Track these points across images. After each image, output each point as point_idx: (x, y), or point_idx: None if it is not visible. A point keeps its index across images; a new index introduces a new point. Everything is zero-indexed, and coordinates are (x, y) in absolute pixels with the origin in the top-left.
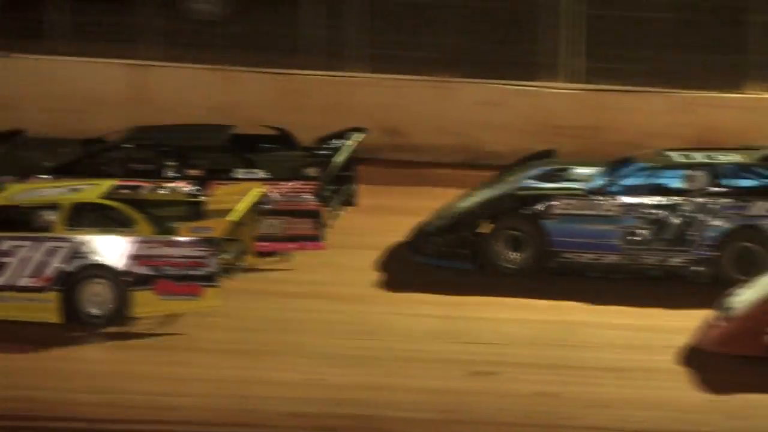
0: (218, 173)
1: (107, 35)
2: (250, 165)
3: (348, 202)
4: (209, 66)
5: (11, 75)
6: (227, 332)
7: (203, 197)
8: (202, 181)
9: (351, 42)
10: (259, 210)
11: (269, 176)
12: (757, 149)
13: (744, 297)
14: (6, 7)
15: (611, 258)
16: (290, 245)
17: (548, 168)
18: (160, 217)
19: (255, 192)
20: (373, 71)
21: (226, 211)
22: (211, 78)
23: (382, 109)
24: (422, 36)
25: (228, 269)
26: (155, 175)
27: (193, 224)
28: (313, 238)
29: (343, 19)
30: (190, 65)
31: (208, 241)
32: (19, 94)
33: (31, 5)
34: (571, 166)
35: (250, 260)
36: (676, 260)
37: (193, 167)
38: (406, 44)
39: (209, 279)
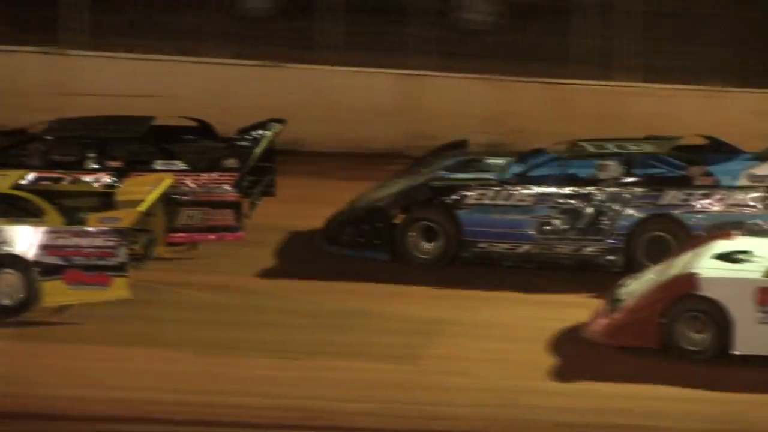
0: (138, 164)
1: (378, 45)
2: (170, 156)
3: (268, 192)
4: (480, 76)
5: (284, 85)
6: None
7: (114, 188)
8: (122, 173)
9: (622, 51)
10: (173, 201)
11: (188, 167)
12: (668, 139)
13: (633, 288)
14: (279, 18)
15: (525, 247)
16: (209, 236)
17: (462, 158)
18: (72, 207)
19: (165, 182)
20: (644, 81)
21: (137, 202)
22: (482, 87)
23: (652, 119)
24: (691, 45)
25: (137, 259)
26: (76, 166)
27: (102, 215)
28: (232, 229)
29: (613, 29)
30: (462, 75)
31: (117, 232)
32: (291, 104)
33: (305, 16)
34: (484, 157)
35: (160, 250)
36: (589, 249)
37: (114, 159)
38: (675, 53)
39: (118, 269)
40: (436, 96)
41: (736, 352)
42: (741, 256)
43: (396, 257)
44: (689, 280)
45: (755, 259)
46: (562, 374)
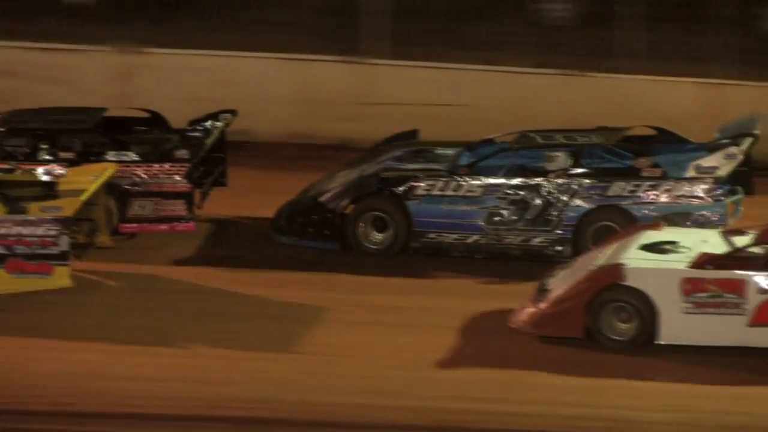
0: (90, 155)
1: (679, 54)
2: (122, 147)
3: (219, 183)
4: None
5: (584, 93)
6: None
7: (57, 177)
8: (74, 164)
9: None
10: (125, 191)
11: (140, 158)
12: (617, 130)
13: (560, 278)
14: (579, 26)
15: (474, 238)
16: (160, 226)
17: (412, 149)
18: (14, 197)
19: (108, 172)
20: None
21: (79, 191)
22: None
23: None
24: None
25: (80, 248)
26: (29, 157)
27: (44, 204)
28: (184, 219)
29: None
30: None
31: (58, 221)
32: (593, 113)
33: (604, 24)
34: (434, 147)
35: (103, 240)
36: (537, 240)
37: (66, 150)
38: None
39: (60, 258)
40: (738, 104)
41: (661, 342)
42: (667, 247)
43: (346, 247)
44: (615, 270)
45: (681, 249)
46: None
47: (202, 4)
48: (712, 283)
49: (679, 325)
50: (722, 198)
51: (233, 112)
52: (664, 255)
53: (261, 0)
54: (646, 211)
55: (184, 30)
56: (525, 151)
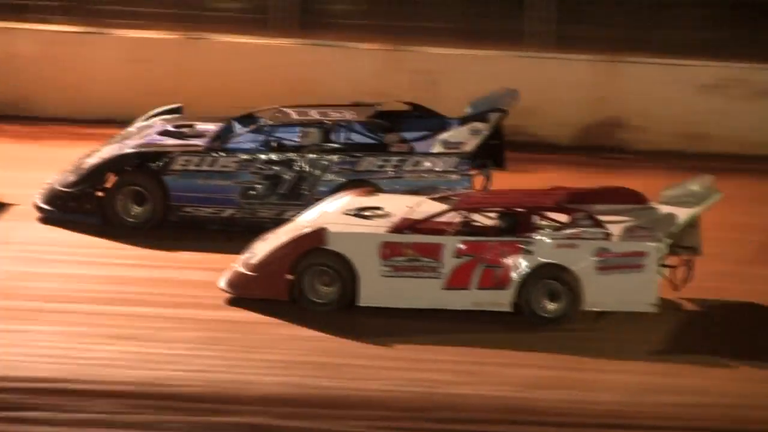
0: None
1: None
2: None
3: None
4: None
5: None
6: None
7: None
8: None
9: None
10: None
11: None
12: (370, 105)
13: (267, 242)
14: None
15: (229, 212)
16: None
17: (171, 124)
18: None
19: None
20: None
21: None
22: None
23: None
24: None
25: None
26: None
27: None
28: None
29: None
30: None
31: None
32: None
33: None
34: (194, 123)
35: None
36: (290, 213)
37: None
38: None
39: None
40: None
41: (361, 305)
42: (369, 213)
43: (106, 220)
44: (318, 234)
45: (382, 214)
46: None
47: None
48: (409, 248)
49: (378, 288)
50: (469, 173)
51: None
52: (365, 220)
53: None
54: (397, 186)
55: None
56: (279, 127)
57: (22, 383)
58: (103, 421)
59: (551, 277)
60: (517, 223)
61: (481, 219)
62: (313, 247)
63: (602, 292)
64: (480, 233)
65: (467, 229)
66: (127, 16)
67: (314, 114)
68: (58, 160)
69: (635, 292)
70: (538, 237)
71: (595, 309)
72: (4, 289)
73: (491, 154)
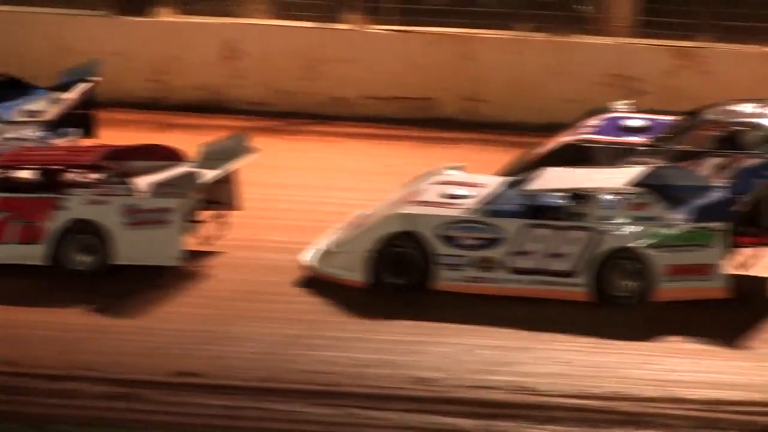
0: None
1: None
2: None
3: None
4: None
5: None
6: None
7: None
8: None
9: None
10: None
11: None
12: None
13: None
14: None
15: None
16: None
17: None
18: None
19: None
20: None
21: None
22: None
23: None
24: None
25: None
26: None
27: None
28: None
29: None
30: None
31: None
32: None
33: None
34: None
35: None
36: None
37: None
38: None
39: None
40: None
41: None
42: None
43: None
44: None
45: None
46: None
47: None
48: None
49: None
50: (48, 140)
51: None
52: None
53: None
54: None
55: None
56: None
57: None
58: None
59: (84, 231)
60: (55, 180)
61: (26, 176)
62: None
63: (132, 247)
64: (18, 190)
65: (6, 185)
66: None
67: None
68: None
69: (161, 246)
70: (71, 194)
71: (127, 263)
72: None
73: (77, 122)
